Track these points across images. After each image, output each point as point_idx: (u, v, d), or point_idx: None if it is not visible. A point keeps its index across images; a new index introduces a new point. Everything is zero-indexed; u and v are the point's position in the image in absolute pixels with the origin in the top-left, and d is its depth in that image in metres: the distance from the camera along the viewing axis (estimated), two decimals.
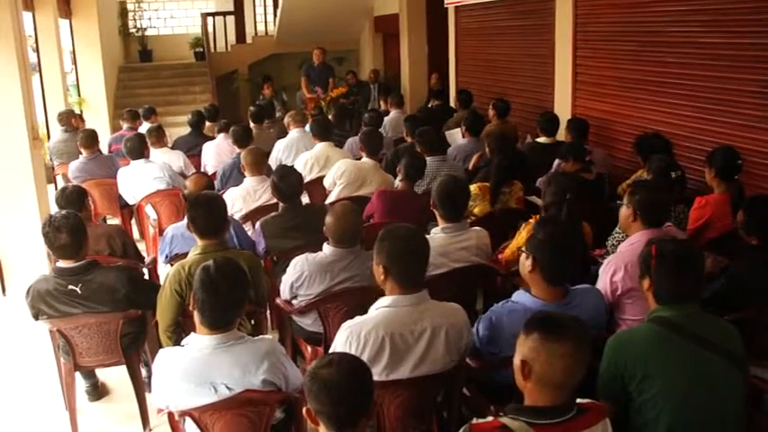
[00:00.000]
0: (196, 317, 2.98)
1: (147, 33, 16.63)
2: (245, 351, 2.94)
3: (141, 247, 5.78)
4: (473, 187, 5.11)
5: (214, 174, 6.96)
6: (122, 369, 4.32)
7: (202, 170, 7.56)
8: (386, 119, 9.04)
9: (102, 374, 4.84)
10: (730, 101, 5.67)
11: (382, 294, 3.13)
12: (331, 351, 3.06)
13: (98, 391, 4.78)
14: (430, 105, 10.60)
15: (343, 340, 2.99)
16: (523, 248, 3.24)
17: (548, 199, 4.42)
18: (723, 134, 5.71)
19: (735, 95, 5.62)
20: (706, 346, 2.66)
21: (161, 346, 3.78)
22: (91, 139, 7.49)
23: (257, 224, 4.87)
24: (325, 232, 3.97)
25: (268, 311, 4.78)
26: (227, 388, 2.90)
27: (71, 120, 9.07)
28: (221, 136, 7.97)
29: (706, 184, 4.90)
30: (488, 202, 5.17)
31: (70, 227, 3.94)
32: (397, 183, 5.58)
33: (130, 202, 6.87)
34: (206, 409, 2.90)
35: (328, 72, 12.50)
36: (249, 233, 5.03)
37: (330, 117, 8.63)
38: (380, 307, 3.05)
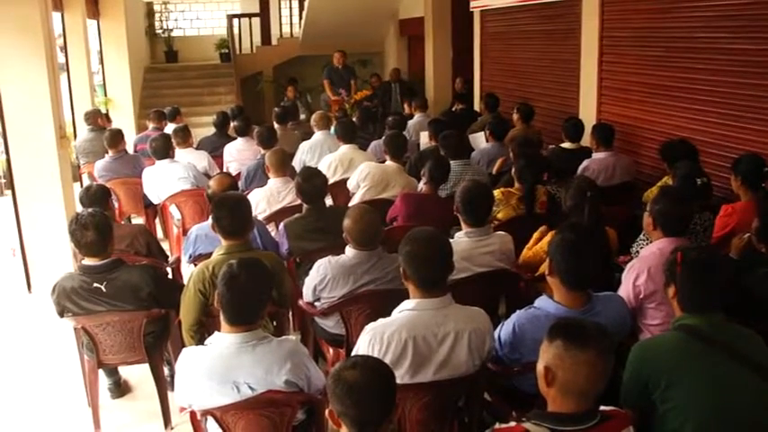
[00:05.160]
0: (220, 315, 3.00)
1: (173, 34, 16.72)
2: (269, 351, 2.95)
3: (165, 246, 5.81)
4: (497, 192, 5.09)
5: (238, 174, 7.00)
6: (145, 367, 4.35)
7: (224, 171, 7.59)
8: (410, 122, 9.02)
9: (125, 372, 4.88)
10: (757, 107, 5.62)
11: (406, 297, 3.13)
12: (354, 353, 3.06)
13: (120, 389, 4.82)
14: (454, 109, 10.58)
15: (367, 342, 2.99)
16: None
17: (568, 202, 4.40)
18: (749, 141, 5.67)
19: (762, 102, 5.57)
20: (732, 355, 2.63)
21: (184, 345, 3.80)
22: (117, 138, 7.55)
23: (281, 225, 4.88)
24: (345, 238, 3.98)
25: (290, 312, 4.79)
26: (250, 388, 2.91)
27: (97, 119, 9.14)
28: (241, 139, 8.00)
29: (732, 191, 4.85)
30: (512, 206, 5.15)
31: (97, 224, 3.98)
32: (421, 186, 5.57)
33: (155, 201, 6.92)
34: (228, 408, 2.91)
35: (350, 74, 12.50)
36: (272, 234, 5.04)
37: (354, 119, 8.64)
38: (404, 310, 3.06)
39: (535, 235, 4.55)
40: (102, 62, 13.13)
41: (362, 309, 3.90)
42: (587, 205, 4.23)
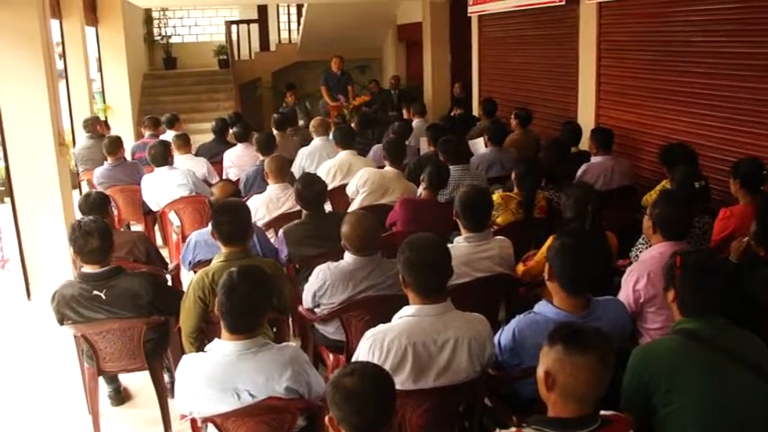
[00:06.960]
0: (220, 322, 3.00)
1: (171, 41, 16.72)
2: (269, 358, 2.95)
3: (164, 253, 5.80)
4: (496, 196, 5.10)
5: (237, 180, 6.99)
6: (145, 374, 4.34)
7: (224, 177, 7.59)
8: None
9: (125, 379, 4.87)
10: (755, 111, 5.64)
11: (405, 303, 3.13)
12: (354, 359, 3.06)
13: (121, 396, 4.81)
14: (452, 114, 10.59)
15: (367, 348, 2.99)
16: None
17: (568, 213, 4.39)
18: (748, 144, 5.68)
19: (760, 105, 5.59)
20: (732, 359, 2.63)
21: (184, 353, 3.80)
22: (116, 145, 7.55)
23: (280, 231, 4.88)
24: (343, 244, 3.97)
25: (290, 319, 4.78)
26: (250, 395, 2.90)
27: (96, 126, 9.14)
28: (240, 146, 8.00)
29: (731, 194, 4.86)
30: (511, 211, 5.15)
31: (99, 231, 3.97)
32: (420, 191, 5.57)
33: (154, 208, 6.92)
34: (228, 415, 2.91)
35: (347, 80, 12.50)
36: (272, 240, 5.04)
37: (353, 125, 8.64)
38: (404, 316, 3.06)
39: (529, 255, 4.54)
40: (100, 69, 13.11)
41: (362, 315, 3.89)
42: (590, 214, 4.23)
